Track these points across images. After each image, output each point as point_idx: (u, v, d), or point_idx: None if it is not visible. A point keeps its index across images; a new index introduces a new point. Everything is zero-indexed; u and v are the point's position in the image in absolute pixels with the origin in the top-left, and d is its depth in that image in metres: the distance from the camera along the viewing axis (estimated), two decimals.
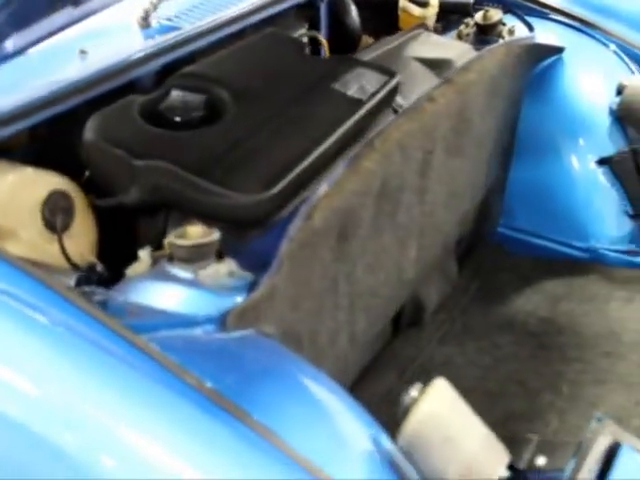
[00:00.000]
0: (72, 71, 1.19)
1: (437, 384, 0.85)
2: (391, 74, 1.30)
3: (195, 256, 0.95)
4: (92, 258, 1.07)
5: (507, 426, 1.45)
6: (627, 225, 1.86)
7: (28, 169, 1.09)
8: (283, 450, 0.75)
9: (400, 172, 1.27)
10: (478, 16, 1.81)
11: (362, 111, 1.20)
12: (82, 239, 1.07)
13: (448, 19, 1.98)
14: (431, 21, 1.91)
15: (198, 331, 0.89)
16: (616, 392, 1.46)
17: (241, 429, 0.75)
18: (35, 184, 1.06)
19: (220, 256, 1.00)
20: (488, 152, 1.74)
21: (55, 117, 1.16)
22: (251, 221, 1.06)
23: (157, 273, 0.97)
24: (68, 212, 1.05)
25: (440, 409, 0.83)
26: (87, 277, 0.99)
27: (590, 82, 1.83)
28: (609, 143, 1.83)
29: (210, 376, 0.82)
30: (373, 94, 1.23)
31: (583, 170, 1.85)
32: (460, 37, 1.84)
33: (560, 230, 1.90)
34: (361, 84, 1.23)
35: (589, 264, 1.85)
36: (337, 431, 0.84)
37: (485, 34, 1.81)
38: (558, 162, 1.86)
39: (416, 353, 1.65)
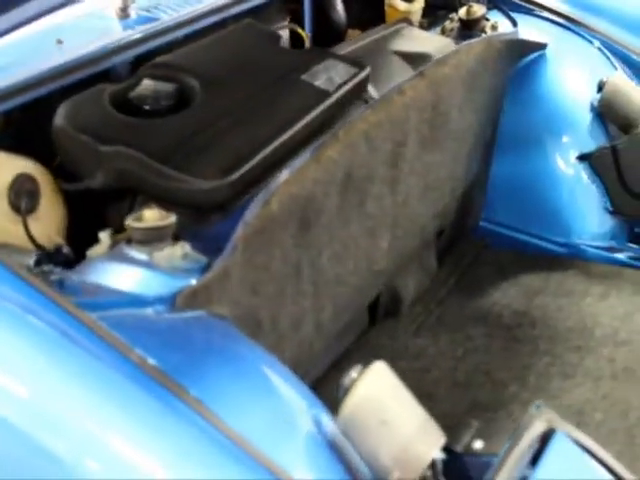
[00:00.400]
0: (47, 59, 1.22)
1: (376, 367, 0.88)
2: (361, 66, 1.32)
3: (151, 238, 0.99)
4: (59, 240, 1.10)
5: (471, 415, 1.48)
6: (608, 221, 1.87)
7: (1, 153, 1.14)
8: (219, 428, 0.78)
9: (367, 162, 1.29)
10: (462, 11, 1.83)
11: (328, 102, 1.23)
12: (49, 221, 1.11)
13: (435, 14, 2.02)
14: (417, 16, 1.93)
15: (149, 310, 0.92)
16: (582, 386, 1.48)
17: (178, 405, 0.78)
18: (2, 168, 1.10)
19: (177, 239, 1.04)
20: (468, 146, 1.76)
21: (29, 103, 1.19)
22: (210, 206, 1.09)
23: (115, 254, 1.00)
24: (34, 195, 1.09)
25: (376, 392, 0.85)
26: (47, 257, 1.03)
27: (573, 78, 1.85)
28: (591, 139, 1.84)
29: (155, 354, 0.85)
30: (340, 85, 1.26)
31: (564, 166, 1.87)
32: (444, 32, 1.86)
33: (541, 225, 1.92)
34: (330, 76, 1.25)
35: (569, 259, 1.87)
36: (278, 411, 0.87)
37: (468, 29, 1.83)
38: (540, 157, 1.88)
39: (389, 343, 1.68)
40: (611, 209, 1.80)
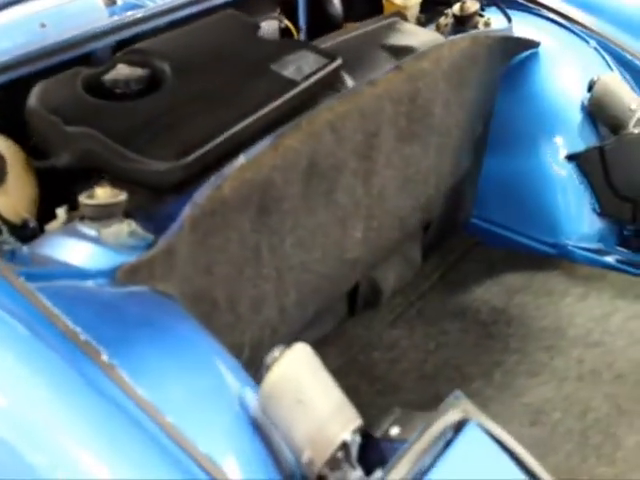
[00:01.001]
0: (29, 41, 1.28)
1: (297, 348, 0.91)
2: (332, 58, 1.35)
3: (101, 215, 1.04)
4: (25, 214, 1.16)
5: (433, 408, 1.50)
6: (596, 223, 1.86)
7: None
8: (131, 395, 0.82)
9: (334, 152, 1.32)
10: (455, 7, 1.83)
11: (294, 91, 1.26)
12: (17, 197, 1.17)
13: (435, 10, 2.02)
14: (414, 10, 1.94)
15: (90, 283, 0.98)
16: (547, 385, 1.49)
17: (91, 370, 0.82)
18: None
19: (129, 217, 1.08)
20: (455, 141, 1.77)
21: (10, 83, 1.25)
22: (165, 187, 1.13)
23: (67, 229, 1.06)
24: (3, 170, 1.15)
25: (294, 372, 0.88)
26: (12, 229, 1.08)
27: (566, 77, 1.84)
28: (582, 139, 1.83)
29: (87, 325, 0.89)
30: (308, 75, 1.29)
31: (555, 165, 1.86)
32: (439, 28, 1.87)
33: (530, 224, 1.92)
34: (299, 65, 1.28)
35: (555, 260, 1.87)
36: (200, 386, 0.90)
37: (462, 25, 1.83)
38: (530, 156, 1.87)
39: (365, 333, 1.70)
40: (598, 210, 1.80)
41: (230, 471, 0.84)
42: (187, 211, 1.06)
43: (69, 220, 1.07)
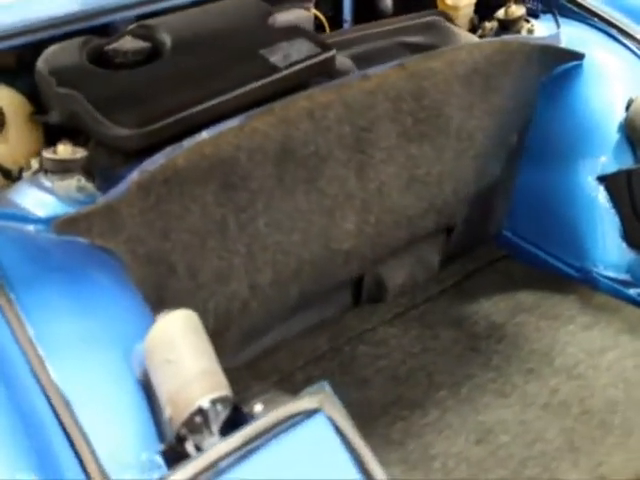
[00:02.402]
0: (56, 7, 1.42)
1: (180, 312, 0.96)
2: (326, 48, 1.38)
3: (58, 169, 1.17)
4: (22, 162, 1.29)
5: (391, 409, 1.50)
6: (626, 253, 1.75)
7: None
8: (22, 341, 0.91)
9: (314, 141, 1.36)
10: (500, 11, 1.80)
11: (273, 77, 1.31)
12: (17, 146, 1.30)
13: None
14: (466, 10, 1.91)
15: (30, 227, 1.10)
16: (509, 408, 1.44)
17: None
18: None
19: (89, 175, 1.19)
20: (481, 148, 1.73)
21: (31, 45, 1.39)
22: (126, 152, 1.23)
23: (32, 179, 1.19)
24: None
25: (169, 333, 0.94)
26: (6, 175, 1.23)
27: (610, 94, 1.74)
28: (618, 161, 1.73)
29: (9, 262, 1.00)
30: (293, 63, 1.33)
31: (588, 186, 1.77)
32: (484, 31, 1.84)
33: (559, 244, 1.85)
34: (288, 53, 1.33)
35: (577, 284, 1.79)
36: (97, 333, 0.98)
37: (506, 30, 1.79)
38: (565, 173, 1.80)
39: (359, 326, 1.72)
40: (623, 237, 1.70)
41: (95, 417, 0.91)
42: (134, 175, 1.15)
43: (38, 171, 1.20)
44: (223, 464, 0.83)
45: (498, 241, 1.97)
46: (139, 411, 0.95)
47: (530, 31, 1.77)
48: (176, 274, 1.31)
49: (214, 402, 0.92)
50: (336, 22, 1.94)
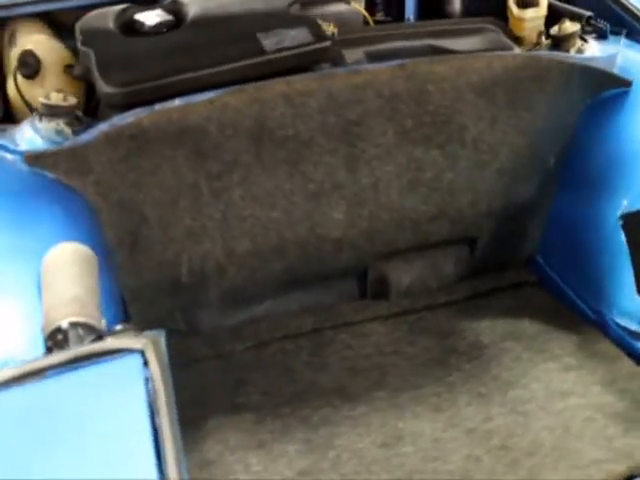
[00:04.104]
0: None
1: (72, 244, 1.13)
2: (321, 40, 1.46)
3: (48, 113, 1.39)
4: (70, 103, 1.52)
5: (327, 395, 1.55)
6: None
7: (42, 36, 1.60)
8: None
9: (293, 125, 1.45)
10: (555, 27, 1.73)
11: (257, 59, 1.42)
12: (49, 89, 1.53)
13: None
14: (532, 23, 1.85)
15: (12, 157, 1.34)
16: (434, 423, 1.44)
17: None
18: (28, 43, 1.57)
19: (79, 121, 1.40)
20: (506, 164, 1.71)
21: (91, 6, 1.63)
22: (112, 107, 1.42)
23: (31, 119, 1.43)
24: (34, 67, 1.53)
25: (56, 258, 1.12)
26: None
27: None
28: None
29: None
30: (280, 49, 1.43)
31: (615, 224, 1.67)
32: (539, 46, 1.78)
33: (581, 280, 1.78)
34: (282, 39, 1.43)
35: (588, 326, 1.71)
36: (19, 248, 1.19)
37: (557, 47, 1.73)
38: (597, 207, 1.71)
39: (351, 316, 1.79)
40: (635, 285, 1.58)
41: None
42: (104, 127, 1.35)
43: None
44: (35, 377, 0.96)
45: (530, 265, 1.93)
46: (34, 319, 1.14)
47: (580, 50, 1.70)
48: (148, 224, 1.49)
49: (75, 325, 1.07)
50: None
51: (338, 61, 1.57)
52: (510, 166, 1.75)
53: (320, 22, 1.60)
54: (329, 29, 1.60)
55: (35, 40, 1.58)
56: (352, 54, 1.60)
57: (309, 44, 1.45)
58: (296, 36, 1.45)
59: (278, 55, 1.43)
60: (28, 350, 1.08)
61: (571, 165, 1.78)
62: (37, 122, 1.40)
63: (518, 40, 1.88)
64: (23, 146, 1.36)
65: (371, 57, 1.60)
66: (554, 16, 1.89)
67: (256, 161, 1.49)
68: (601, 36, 1.83)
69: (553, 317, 1.76)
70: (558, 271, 1.85)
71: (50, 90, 1.51)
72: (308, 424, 1.43)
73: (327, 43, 1.48)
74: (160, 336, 1.05)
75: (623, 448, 1.33)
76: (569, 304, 1.79)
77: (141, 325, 1.53)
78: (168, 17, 1.55)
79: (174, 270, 1.58)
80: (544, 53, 1.67)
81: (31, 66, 1.52)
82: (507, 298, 1.85)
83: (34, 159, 1.31)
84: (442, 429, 1.41)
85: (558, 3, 1.93)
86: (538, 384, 1.52)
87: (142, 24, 1.54)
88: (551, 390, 1.50)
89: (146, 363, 1.01)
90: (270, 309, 1.77)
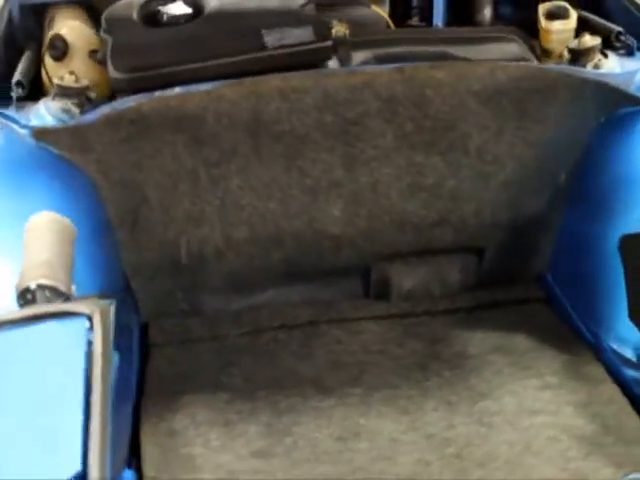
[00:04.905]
0: None
1: (51, 214, 1.24)
2: (322, 39, 1.51)
3: (61, 94, 1.52)
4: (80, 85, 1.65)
5: (302, 385, 1.59)
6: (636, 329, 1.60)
7: (76, 22, 1.73)
8: None
9: (288, 120, 1.51)
10: (575, 41, 1.72)
11: (255, 55, 1.50)
12: (74, 71, 1.65)
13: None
14: (560, 36, 1.83)
15: (24, 131, 1.47)
16: (396, 423, 1.45)
17: None
18: (62, 28, 1.70)
19: (89, 102, 1.52)
20: (513, 176, 1.71)
21: None
22: (117, 92, 1.54)
23: (47, 98, 1.56)
24: (61, 49, 1.66)
25: (33, 226, 1.22)
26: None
27: None
28: None
29: None
30: (280, 46, 1.49)
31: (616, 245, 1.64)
32: (559, 58, 1.77)
33: (584, 302, 1.74)
34: (283, 37, 1.49)
35: (585, 349, 1.68)
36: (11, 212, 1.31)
37: (575, 61, 1.71)
38: (604, 227, 1.66)
39: (347, 312, 1.82)
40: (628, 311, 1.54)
41: None
42: (105, 109, 1.45)
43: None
44: None
45: (539, 282, 1.92)
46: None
47: (596, 66, 1.68)
48: (149, 204, 1.59)
49: (42, 287, 1.17)
50: None
51: (345, 62, 1.63)
52: (517, 178, 1.74)
53: (332, 23, 1.67)
54: (340, 30, 1.68)
55: (69, 25, 1.72)
56: (361, 56, 1.66)
57: (309, 43, 1.51)
58: (299, 34, 1.51)
59: (277, 52, 1.50)
60: (10, 306, 1.21)
61: (581, 182, 1.75)
62: (50, 101, 1.53)
63: (546, 52, 1.91)
64: (34, 122, 1.50)
65: (379, 60, 1.65)
66: (585, 29, 1.89)
67: (253, 152, 1.57)
68: (629, 52, 1.82)
69: (549, 336, 1.74)
70: (564, 289, 1.83)
71: (75, 72, 1.65)
72: (275, 409, 1.50)
73: (328, 43, 1.53)
74: (110, 305, 1.15)
75: (578, 470, 1.32)
76: (570, 324, 1.77)
77: (144, 301, 1.71)
78: (187, 10, 1.66)
79: (174, 251, 1.68)
80: (554, 66, 1.67)
81: (59, 49, 1.65)
82: (510, 313, 1.85)
83: (40, 134, 1.44)
84: (402, 431, 1.44)
85: (590, 16, 1.92)
86: (511, 399, 1.52)
87: (162, 15, 1.65)
88: (522, 406, 1.50)
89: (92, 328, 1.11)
90: (273, 298, 1.84)
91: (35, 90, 1.67)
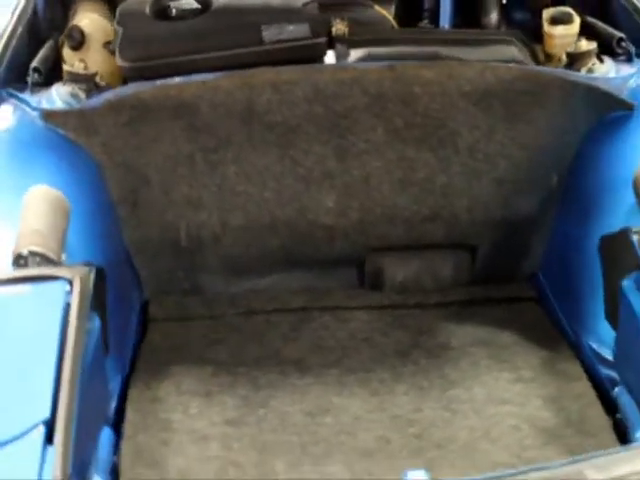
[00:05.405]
0: None
1: (46, 188, 1.35)
2: (317, 36, 1.59)
3: (70, 79, 1.65)
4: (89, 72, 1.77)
5: (284, 364, 1.67)
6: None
7: (95, 15, 1.85)
8: None
9: (280, 111, 1.60)
10: (573, 45, 1.74)
11: (252, 49, 1.59)
12: (93, 64, 1.77)
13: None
14: (562, 40, 1.86)
15: (34, 113, 1.60)
16: (365, 402, 1.53)
17: None
18: (82, 20, 1.82)
19: (97, 87, 1.65)
20: (505, 175, 1.76)
21: None
22: (126, 79, 1.66)
23: (57, 84, 1.69)
24: (78, 40, 1.78)
25: (28, 197, 1.35)
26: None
27: None
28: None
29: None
30: (276, 41, 1.57)
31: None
32: (559, 62, 1.80)
33: (570, 301, 1.78)
34: (280, 32, 1.58)
35: (565, 347, 1.71)
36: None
37: (571, 65, 1.75)
38: (590, 229, 1.70)
39: (341, 301, 1.88)
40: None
41: None
42: (108, 95, 1.57)
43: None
44: None
45: (531, 281, 1.96)
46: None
47: (590, 70, 1.72)
48: (150, 185, 1.70)
49: (34, 254, 1.29)
50: None
51: (342, 58, 1.71)
52: (509, 178, 1.79)
53: (333, 21, 1.76)
54: (341, 28, 1.76)
55: (88, 17, 1.85)
56: (358, 53, 1.73)
57: (304, 39, 1.60)
58: (295, 30, 1.60)
59: (273, 46, 1.59)
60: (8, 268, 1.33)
61: (571, 184, 1.80)
62: (60, 86, 1.66)
63: (549, 57, 1.95)
64: (44, 105, 1.62)
65: (374, 58, 1.72)
66: (588, 35, 1.93)
67: (247, 141, 1.66)
68: (628, 59, 1.85)
69: (534, 333, 1.78)
70: (553, 289, 1.87)
71: (91, 61, 1.77)
72: (254, 384, 1.58)
73: (322, 39, 1.62)
74: (90, 271, 1.26)
75: (532, 458, 1.36)
76: (557, 323, 1.81)
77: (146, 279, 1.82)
78: (195, 5, 1.76)
79: (173, 233, 1.78)
80: (545, 69, 1.71)
81: (75, 39, 1.78)
82: (500, 309, 1.89)
83: (49, 116, 1.57)
84: (369, 410, 1.51)
85: (594, 21, 1.95)
86: (481, 389, 1.57)
87: (171, 10, 1.76)
88: (491, 396, 1.55)
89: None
90: (271, 284, 1.92)
91: (56, 77, 1.81)
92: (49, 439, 1.01)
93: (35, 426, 1.01)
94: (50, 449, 1.00)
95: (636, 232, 1.36)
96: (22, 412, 1.07)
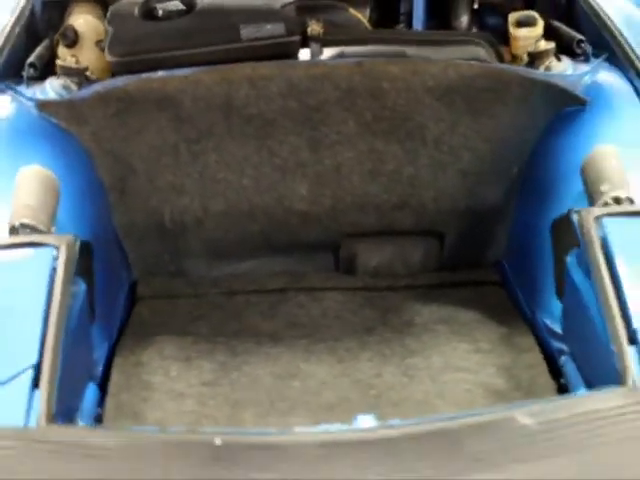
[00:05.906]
0: None
1: (38, 167, 1.49)
2: (290, 34, 1.73)
3: (61, 72, 1.79)
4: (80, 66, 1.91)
5: (259, 337, 1.81)
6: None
7: (89, 16, 2.00)
8: None
9: (256, 105, 1.74)
10: (533, 45, 1.88)
11: (230, 46, 1.73)
12: (83, 58, 1.91)
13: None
14: (525, 42, 2.00)
15: (29, 103, 1.75)
16: (330, 367, 1.65)
17: None
18: (76, 20, 1.96)
19: (87, 80, 1.78)
20: (468, 167, 1.89)
21: None
22: (114, 73, 1.80)
23: (51, 77, 1.83)
24: (71, 38, 1.92)
25: (20, 176, 1.48)
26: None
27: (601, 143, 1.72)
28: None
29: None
30: (253, 39, 1.71)
31: None
32: (520, 62, 1.93)
33: (528, 283, 1.92)
34: (257, 30, 1.71)
35: (523, 325, 1.84)
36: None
37: (531, 64, 1.88)
38: (545, 215, 1.83)
39: (317, 283, 2.02)
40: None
41: None
42: (97, 87, 1.71)
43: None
44: None
45: (496, 267, 2.08)
46: None
47: (548, 68, 1.85)
48: (136, 174, 1.83)
49: (25, 226, 1.44)
50: None
51: (316, 56, 1.85)
52: (474, 169, 1.92)
53: (309, 22, 1.90)
54: (315, 29, 1.90)
55: (82, 18, 1.99)
56: (331, 51, 1.87)
57: (279, 37, 1.74)
58: (271, 29, 1.74)
59: (249, 44, 1.74)
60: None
61: (529, 175, 1.93)
62: (54, 79, 1.80)
63: (514, 57, 2.09)
64: (38, 96, 1.77)
65: (345, 56, 1.86)
66: (552, 37, 2.06)
67: (227, 132, 1.80)
68: (586, 59, 1.98)
69: (495, 312, 1.91)
70: (515, 274, 2.00)
71: (84, 58, 1.92)
72: (231, 351, 1.73)
73: (296, 38, 1.76)
74: (75, 240, 1.39)
75: None
76: (517, 304, 1.94)
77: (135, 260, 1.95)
78: (181, 7, 1.90)
79: (158, 217, 1.92)
80: (506, 66, 1.85)
81: (69, 37, 1.92)
82: (465, 291, 2.02)
83: (42, 106, 1.72)
84: (334, 375, 1.64)
85: (558, 25, 2.09)
86: (439, 358, 1.71)
87: (158, 11, 1.90)
88: (448, 364, 1.68)
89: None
90: (252, 269, 2.06)
91: (51, 73, 1.95)
92: (36, 383, 1.15)
93: (24, 370, 1.14)
94: (37, 391, 1.14)
95: (576, 212, 1.48)
96: (11, 358, 1.20)
